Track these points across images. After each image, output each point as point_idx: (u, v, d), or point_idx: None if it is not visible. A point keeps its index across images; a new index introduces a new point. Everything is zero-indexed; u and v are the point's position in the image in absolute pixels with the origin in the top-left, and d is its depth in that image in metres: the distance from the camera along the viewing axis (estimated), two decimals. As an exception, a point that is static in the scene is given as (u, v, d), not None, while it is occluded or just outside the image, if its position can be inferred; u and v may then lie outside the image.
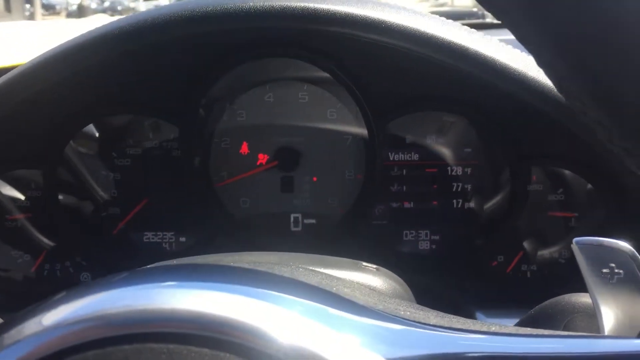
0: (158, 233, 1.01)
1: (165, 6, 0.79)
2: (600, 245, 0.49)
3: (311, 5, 0.76)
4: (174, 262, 0.66)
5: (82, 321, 0.35)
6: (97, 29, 0.80)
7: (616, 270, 0.48)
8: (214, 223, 1.00)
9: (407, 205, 1.00)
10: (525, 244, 0.97)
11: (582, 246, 0.49)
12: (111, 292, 0.38)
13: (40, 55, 0.81)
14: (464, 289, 0.95)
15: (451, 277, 0.97)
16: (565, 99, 0.40)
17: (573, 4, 0.35)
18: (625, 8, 0.34)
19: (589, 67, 0.37)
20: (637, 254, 0.48)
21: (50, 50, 0.82)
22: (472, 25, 0.85)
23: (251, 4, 0.76)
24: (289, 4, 0.77)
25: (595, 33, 0.35)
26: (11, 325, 0.38)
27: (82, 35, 0.81)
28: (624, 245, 0.48)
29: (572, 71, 0.38)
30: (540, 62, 0.40)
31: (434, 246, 1.00)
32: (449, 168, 0.99)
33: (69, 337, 0.35)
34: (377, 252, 0.98)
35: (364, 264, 0.71)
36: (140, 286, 0.38)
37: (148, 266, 0.56)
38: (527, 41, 0.40)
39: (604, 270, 0.49)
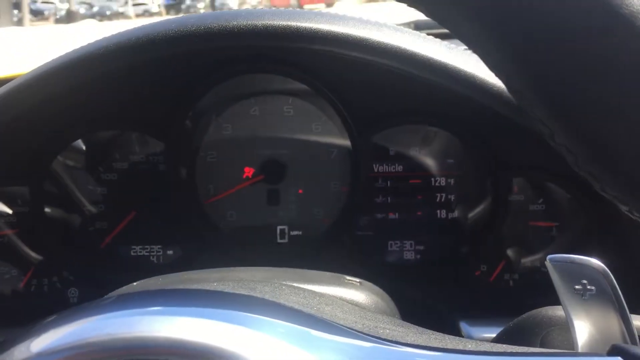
0: (146, 246, 1.02)
1: (150, 25, 0.80)
2: (573, 262, 0.50)
3: (293, 24, 0.78)
4: (160, 279, 0.67)
5: (65, 350, 0.36)
6: (82, 47, 0.81)
7: (588, 287, 0.50)
8: (200, 236, 1.01)
9: (391, 216, 1.01)
10: (508, 253, 0.99)
11: (555, 263, 0.51)
12: (93, 320, 0.39)
13: (27, 74, 0.82)
14: (449, 299, 0.97)
15: (436, 286, 0.98)
16: (536, 126, 0.42)
17: (543, 46, 0.36)
18: (590, 43, 0.36)
19: (556, 98, 0.38)
20: (608, 271, 0.49)
21: (38, 68, 0.83)
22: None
23: (235, 23, 0.77)
24: (271, 22, 0.78)
25: (561, 64, 0.37)
26: None
27: (68, 54, 0.82)
28: (596, 262, 0.50)
29: (540, 102, 0.39)
30: (511, 91, 0.41)
31: (418, 256, 1.02)
32: (432, 179, 1.00)
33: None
34: (362, 262, 1.00)
35: (348, 278, 0.72)
36: (122, 312, 0.39)
37: (132, 290, 0.57)
38: (496, 70, 0.42)
39: (577, 287, 0.50)
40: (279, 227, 1.03)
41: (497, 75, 0.42)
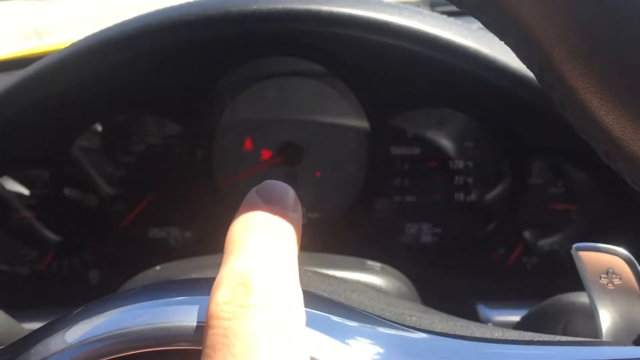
0: (163, 228, 1.03)
1: (169, 9, 0.79)
2: (599, 251, 0.50)
3: (314, 7, 0.77)
4: (183, 263, 0.68)
5: (106, 339, 0.37)
6: (100, 32, 0.81)
7: (614, 276, 0.50)
8: (218, 218, 1.01)
9: (409, 198, 1.02)
10: (526, 236, 0.99)
11: (581, 251, 0.51)
12: (127, 310, 0.39)
13: (47, 58, 0.82)
14: (466, 281, 0.97)
15: (453, 269, 0.99)
16: (567, 118, 0.42)
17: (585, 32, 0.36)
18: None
19: (592, 94, 0.38)
20: (634, 260, 0.49)
21: (56, 53, 0.82)
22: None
23: (255, 7, 0.77)
24: (292, 6, 0.77)
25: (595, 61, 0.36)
26: (32, 341, 0.39)
27: (88, 39, 0.81)
28: (622, 251, 0.49)
29: (574, 97, 0.39)
30: (542, 84, 0.41)
31: (436, 239, 1.02)
32: (450, 162, 1.00)
33: (92, 354, 0.36)
34: (380, 245, 1.00)
35: (369, 262, 0.73)
36: (159, 301, 0.39)
37: (156, 274, 0.58)
38: (529, 61, 0.41)
39: (603, 276, 0.50)
40: None
41: (528, 67, 0.42)
